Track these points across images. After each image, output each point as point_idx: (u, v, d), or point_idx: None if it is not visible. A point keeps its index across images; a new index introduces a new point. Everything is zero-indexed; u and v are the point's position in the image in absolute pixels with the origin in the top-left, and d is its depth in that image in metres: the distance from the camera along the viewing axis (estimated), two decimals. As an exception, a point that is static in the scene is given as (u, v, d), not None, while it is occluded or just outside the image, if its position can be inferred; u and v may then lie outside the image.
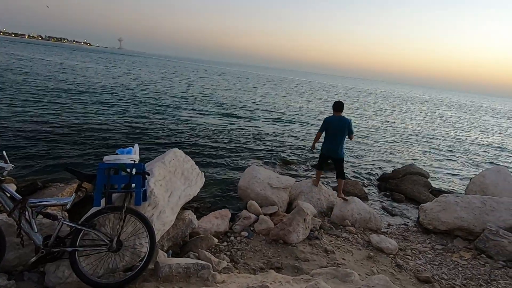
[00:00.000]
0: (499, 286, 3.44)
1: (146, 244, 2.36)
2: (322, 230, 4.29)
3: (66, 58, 43.63)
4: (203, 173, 3.44)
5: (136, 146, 2.51)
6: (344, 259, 3.59)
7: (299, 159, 8.47)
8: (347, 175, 7.59)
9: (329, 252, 3.67)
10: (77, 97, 13.14)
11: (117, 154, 2.36)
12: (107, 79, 21.80)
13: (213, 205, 5.06)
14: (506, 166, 7.68)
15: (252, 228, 4.12)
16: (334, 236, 4.19)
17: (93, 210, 2.34)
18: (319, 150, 5.35)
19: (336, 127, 4.81)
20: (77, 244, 2.19)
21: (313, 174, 7.27)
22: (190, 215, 3.26)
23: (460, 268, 3.76)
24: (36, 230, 2.16)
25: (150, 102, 14.62)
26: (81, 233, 2.22)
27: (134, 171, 2.28)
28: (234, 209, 4.77)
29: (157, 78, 28.70)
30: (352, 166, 8.51)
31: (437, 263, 3.86)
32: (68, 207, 2.24)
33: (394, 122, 19.17)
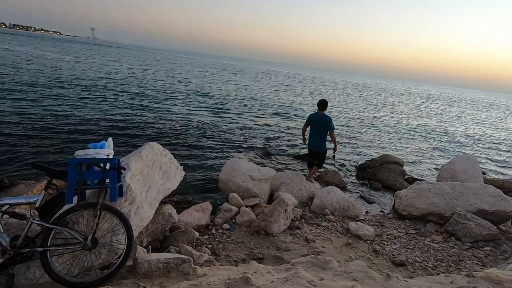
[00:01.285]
0: (466, 266, 3.67)
1: (123, 241, 2.30)
2: (303, 220, 4.37)
3: (36, 48, 41.01)
4: (182, 167, 3.37)
5: (110, 140, 2.41)
6: (324, 247, 3.68)
7: (280, 151, 8.53)
8: (328, 164, 7.75)
9: (309, 241, 3.74)
10: (49, 91, 12.43)
11: (89, 148, 2.25)
12: (82, 71, 20.72)
13: (194, 198, 5.01)
14: (481, 155, 8.14)
15: (233, 221, 4.12)
16: (314, 225, 4.28)
17: (65, 207, 2.24)
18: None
19: (317, 124, 5.20)
20: (48, 244, 2.08)
21: (293, 165, 7.37)
22: (169, 209, 3.20)
23: (432, 251, 3.97)
24: (2, 231, 2.03)
25: (128, 95, 14.11)
26: (53, 232, 2.11)
27: (108, 166, 2.19)
28: (215, 202, 4.75)
29: (138, 70, 27.66)
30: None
31: (411, 247, 4.05)
32: (37, 205, 2.12)
33: (374, 113, 19.71)
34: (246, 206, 4.47)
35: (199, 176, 5.91)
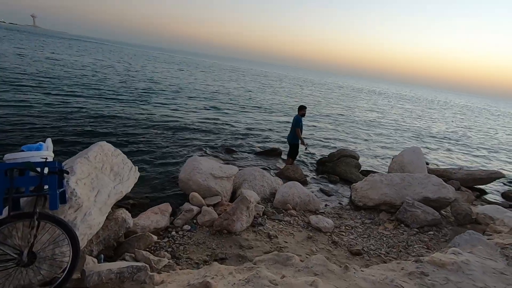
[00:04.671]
0: (414, 250, 3.99)
1: (68, 253, 2.07)
2: (266, 216, 4.38)
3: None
4: (136, 167, 3.15)
5: (49, 140, 2.14)
6: (286, 242, 3.73)
7: (243, 147, 8.49)
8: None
9: (272, 237, 3.77)
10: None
11: (22, 151, 1.98)
12: (27, 64, 18.43)
13: (153, 200, 4.74)
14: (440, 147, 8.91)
15: (195, 221, 3.99)
16: (276, 221, 4.32)
17: (-6, 220, 1.94)
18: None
19: (292, 123, 6.87)
20: (-28, 263, 1.80)
21: (255, 161, 7.41)
22: (123, 213, 2.98)
23: (384, 238, 4.25)
24: None
25: (77, 90, 12.90)
26: (-22, 249, 1.83)
27: (46, 170, 1.94)
28: (176, 203, 4.55)
29: (93, 64, 25.45)
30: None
31: (366, 236, 4.29)
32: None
33: (335, 110, 20.59)
34: (208, 205, 4.36)
35: (158, 176, 5.62)
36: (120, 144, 6.88)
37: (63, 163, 2.65)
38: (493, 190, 7.58)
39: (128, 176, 2.93)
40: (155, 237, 3.34)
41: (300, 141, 6.75)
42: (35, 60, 21.55)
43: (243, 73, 52.65)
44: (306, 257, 3.44)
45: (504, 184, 8.34)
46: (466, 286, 1.90)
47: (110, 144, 2.99)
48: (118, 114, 9.76)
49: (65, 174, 2.18)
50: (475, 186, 7.33)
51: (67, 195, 2.20)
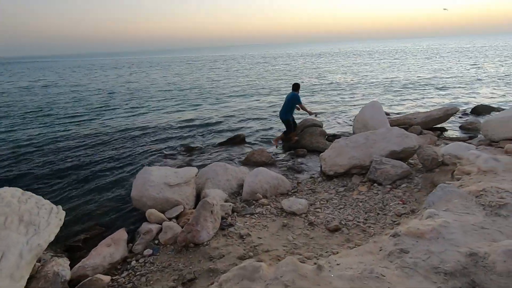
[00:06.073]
0: (391, 208, 3.87)
1: None
2: (235, 213, 4.03)
3: None
4: (60, 206, 2.59)
5: None
6: (260, 238, 3.41)
7: (204, 142, 7.96)
8: (256, 143, 7.61)
9: (244, 237, 3.43)
10: None
11: None
12: None
13: (109, 227, 4.18)
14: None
15: (156, 241, 3.54)
16: (248, 216, 3.98)
17: None
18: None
19: (285, 100, 7.14)
20: None
21: (219, 154, 6.98)
22: (55, 265, 2.45)
23: (360, 204, 4.09)
24: None
25: None
26: None
27: None
28: (134, 226, 4.04)
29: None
30: (258, 133, 8.55)
31: (342, 206, 4.10)
32: None
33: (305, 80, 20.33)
34: (170, 219, 3.90)
35: (111, 200, 4.97)
36: (47, 177, 5.56)
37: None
38: (452, 126, 7.82)
39: (48, 221, 2.37)
40: (107, 278, 2.86)
41: (292, 119, 7.06)
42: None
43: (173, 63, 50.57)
44: (284, 250, 3.16)
45: (460, 117, 8.68)
46: (450, 255, 1.68)
47: (14, 188, 2.39)
48: (49, 139, 8.40)
49: None
50: (436, 126, 7.51)
51: None
